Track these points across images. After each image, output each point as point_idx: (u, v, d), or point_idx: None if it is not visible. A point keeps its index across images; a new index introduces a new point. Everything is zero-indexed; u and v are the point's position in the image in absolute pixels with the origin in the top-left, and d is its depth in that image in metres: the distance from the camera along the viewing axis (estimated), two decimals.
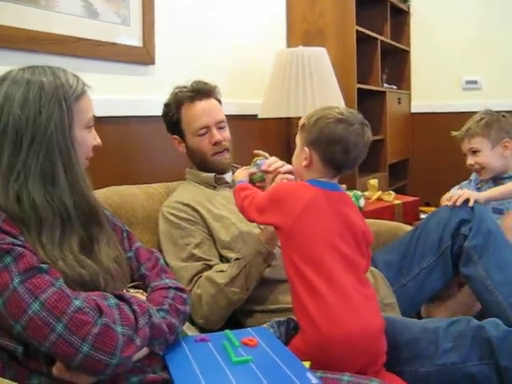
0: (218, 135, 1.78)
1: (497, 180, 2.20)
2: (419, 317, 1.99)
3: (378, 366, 1.31)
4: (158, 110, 2.13)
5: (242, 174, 1.62)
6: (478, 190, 2.24)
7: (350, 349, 1.26)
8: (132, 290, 1.19)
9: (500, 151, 2.15)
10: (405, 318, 1.62)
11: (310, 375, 1.04)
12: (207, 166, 1.82)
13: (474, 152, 2.17)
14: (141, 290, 1.20)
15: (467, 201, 1.77)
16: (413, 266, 1.80)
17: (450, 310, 1.92)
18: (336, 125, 1.34)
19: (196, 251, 1.62)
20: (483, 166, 2.17)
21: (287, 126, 3.02)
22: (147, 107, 2.13)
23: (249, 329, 1.26)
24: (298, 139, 1.42)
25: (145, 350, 1.06)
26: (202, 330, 1.53)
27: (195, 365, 1.06)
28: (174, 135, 1.86)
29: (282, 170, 1.61)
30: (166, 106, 1.85)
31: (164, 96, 2.11)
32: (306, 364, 1.12)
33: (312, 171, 1.38)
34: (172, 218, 1.68)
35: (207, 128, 1.78)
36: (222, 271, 1.57)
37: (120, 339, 0.97)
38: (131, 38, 2.08)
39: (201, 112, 1.78)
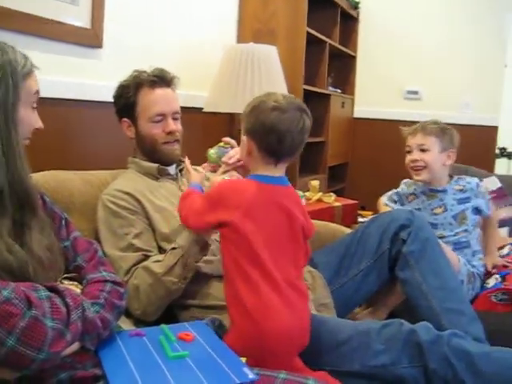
0: (172, 125, 1.75)
1: (428, 192, 2.23)
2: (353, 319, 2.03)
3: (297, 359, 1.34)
4: (101, 95, 2.08)
5: (197, 178, 1.60)
6: (409, 203, 2.28)
7: (285, 343, 1.28)
8: (66, 282, 1.14)
9: (444, 159, 2.19)
10: (339, 318, 1.66)
11: (246, 370, 1.04)
12: (155, 155, 1.77)
13: (423, 149, 2.17)
14: (76, 282, 1.16)
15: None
16: (351, 268, 1.83)
17: (380, 315, 1.97)
18: (269, 113, 1.31)
19: (135, 241, 1.58)
20: (426, 166, 2.17)
21: (231, 121, 3.02)
22: (91, 91, 2.07)
23: (185, 323, 1.25)
24: (242, 128, 1.41)
25: (76, 345, 1.02)
26: (138, 322, 1.50)
27: (130, 360, 1.04)
28: (124, 118, 1.79)
29: (239, 164, 1.62)
30: (123, 86, 1.77)
31: (109, 81, 2.06)
32: (243, 360, 1.12)
33: (254, 160, 1.37)
34: (112, 206, 1.64)
35: (163, 116, 1.74)
36: (158, 261, 1.54)
37: (49, 333, 0.92)
38: (79, 18, 2.01)
39: (160, 99, 1.74)
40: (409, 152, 2.23)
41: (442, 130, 2.19)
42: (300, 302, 1.35)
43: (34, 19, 1.81)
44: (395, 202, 2.35)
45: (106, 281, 1.17)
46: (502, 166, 4.78)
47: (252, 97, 2.39)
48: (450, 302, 1.66)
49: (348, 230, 2.09)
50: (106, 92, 2.08)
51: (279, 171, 1.38)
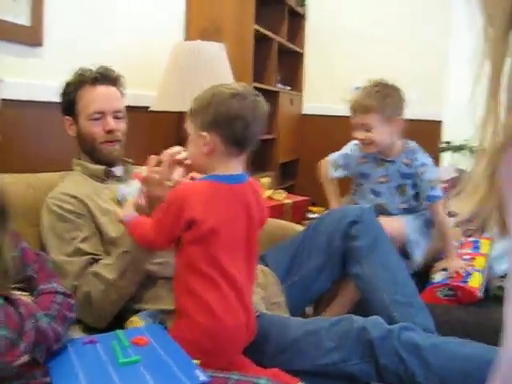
0: (112, 123, 1.70)
1: (378, 160, 2.20)
2: (305, 316, 2.04)
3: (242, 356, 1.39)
4: (43, 95, 2.02)
5: (128, 208, 1.47)
6: (358, 166, 2.26)
7: (238, 339, 1.33)
8: (18, 293, 1.10)
9: (390, 129, 2.11)
10: (290, 317, 1.66)
11: (198, 372, 1.03)
12: (95, 155, 1.73)
13: (366, 129, 2.11)
14: (26, 293, 1.12)
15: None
16: (302, 266, 1.83)
17: (334, 311, 1.98)
18: (230, 100, 1.27)
19: (83, 246, 1.54)
20: (373, 142, 2.12)
21: (179, 120, 2.98)
22: (32, 91, 1.99)
23: (141, 327, 1.22)
24: (191, 126, 1.33)
25: (25, 357, 0.98)
26: (89, 329, 1.46)
27: (80, 369, 1.01)
28: (66, 116, 1.75)
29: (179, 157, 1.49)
30: (66, 84, 1.74)
31: (51, 81, 1.99)
32: (196, 362, 1.11)
33: (215, 156, 1.30)
34: (58, 209, 1.58)
35: (102, 114, 1.70)
36: (108, 265, 1.50)
37: (1, 343, 0.89)
38: (18, 15, 1.93)
39: (100, 96, 1.70)
40: (354, 129, 2.16)
41: (382, 101, 2.08)
42: (250, 299, 1.38)
43: None
44: (339, 166, 2.32)
45: (57, 292, 1.14)
46: (447, 159, 4.89)
47: None
48: (399, 294, 1.70)
49: (298, 227, 2.09)
50: (47, 92, 2.02)
51: (239, 166, 1.35)
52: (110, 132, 1.70)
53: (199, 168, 1.39)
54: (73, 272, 1.50)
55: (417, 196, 2.22)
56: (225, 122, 1.27)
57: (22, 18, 1.95)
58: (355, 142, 2.27)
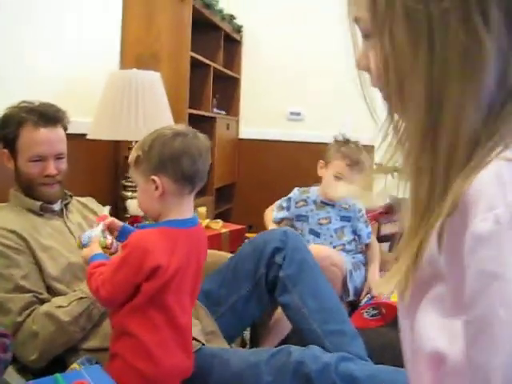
0: (52, 168, 1.66)
1: (319, 203, 2.43)
2: (243, 343, 2.06)
3: None
4: None
5: (96, 249, 1.41)
6: (297, 208, 2.44)
7: (176, 379, 1.35)
8: None
9: None
10: (231, 349, 1.68)
11: None
12: (32, 193, 1.69)
13: (345, 179, 2.32)
14: None
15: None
16: (230, 295, 1.83)
17: (274, 336, 2.02)
18: (173, 140, 1.30)
19: (23, 282, 1.50)
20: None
21: (116, 148, 2.97)
22: None
23: (82, 370, 1.21)
24: (137, 175, 1.34)
25: None
26: (23, 369, 1.43)
27: None
28: (4, 149, 1.68)
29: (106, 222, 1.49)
30: (6, 117, 1.67)
31: None
32: None
33: (167, 199, 1.31)
34: None
35: (43, 157, 1.66)
36: (61, 306, 1.48)
37: None
38: None
39: (41, 140, 1.64)
40: (337, 177, 2.35)
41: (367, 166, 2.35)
42: (191, 336, 1.42)
43: None
44: (283, 208, 2.49)
45: None
46: (379, 181, 5.08)
47: (137, 123, 2.45)
48: (330, 323, 1.70)
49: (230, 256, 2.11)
50: None
51: (191, 207, 1.37)
52: (48, 176, 1.67)
53: (152, 214, 1.38)
54: (16, 309, 1.47)
55: (352, 240, 2.42)
56: (171, 161, 1.29)
57: None
58: (298, 188, 2.50)
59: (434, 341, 0.55)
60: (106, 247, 1.40)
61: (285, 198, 2.52)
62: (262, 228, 2.93)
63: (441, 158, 0.57)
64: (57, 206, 1.74)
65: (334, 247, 2.38)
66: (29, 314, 1.47)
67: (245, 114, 4.40)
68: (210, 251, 2.08)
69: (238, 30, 4.20)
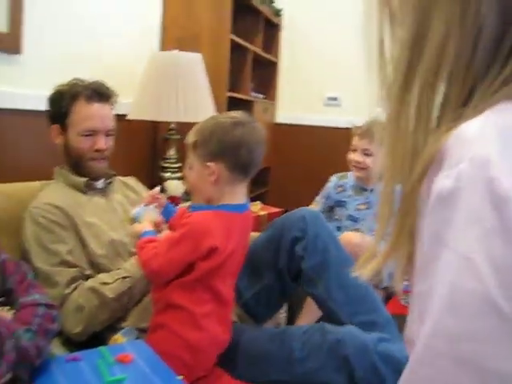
0: (103, 143, 1.70)
1: (357, 189, 2.39)
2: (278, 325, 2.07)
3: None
4: (21, 104, 2.01)
5: (145, 226, 1.46)
6: (336, 194, 2.43)
7: (217, 350, 1.40)
8: None
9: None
10: (260, 327, 1.68)
11: None
12: (80, 168, 1.72)
13: (367, 154, 2.28)
14: (7, 307, 1.11)
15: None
16: (252, 285, 1.73)
17: (311, 314, 2.01)
18: (233, 129, 1.33)
19: (69, 258, 1.54)
20: (367, 168, 2.29)
21: (153, 129, 2.99)
22: (10, 100, 1.97)
23: (124, 343, 1.23)
24: (193, 157, 1.38)
25: (8, 375, 0.97)
26: (67, 342, 1.46)
27: None
28: (54, 124, 1.72)
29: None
30: (59, 93, 1.70)
31: (29, 89, 1.98)
32: (180, 378, 1.13)
33: (221, 185, 1.35)
34: (42, 220, 1.57)
35: (95, 132, 1.69)
36: (106, 283, 1.51)
37: None
38: None
39: (94, 114, 1.68)
40: (353, 150, 2.33)
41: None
42: (231, 313, 1.46)
43: None
44: (321, 201, 2.49)
45: (39, 304, 1.14)
46: None
47: (177, 104, 2.45)
48: (359, 314, 1.57)
49: None
50: (25, 100, 2.01)
51: (244, 194, 1.41)
52: (98, 151, 1.70)
53: (203, 195, 1.41)
54: (63, 282, 1.50)
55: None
56: (230, 149, 1.33)
57: (0, 25, 1.93)
58: (335, 174, 2.49)
59: (410, 325, 0.49)
60: (156, 225, 1.46)
61: (319, 196, 2.52)
62: None
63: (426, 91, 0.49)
64: (100, 184, 1.76)
65: (372, 231, 2.36)
66: (75, 288, 1.50)
67: (282, 98, 4.38)
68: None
69: (278, 13, 4.17)
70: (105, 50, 2.58)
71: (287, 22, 4.29)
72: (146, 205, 1.54)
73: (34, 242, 1.55)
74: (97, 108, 1.69)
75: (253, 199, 3.71)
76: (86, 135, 1.68)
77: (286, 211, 3.52)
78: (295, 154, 4.30)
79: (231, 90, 3.26)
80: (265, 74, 4.28)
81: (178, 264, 1.31)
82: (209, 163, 1.34)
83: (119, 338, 1.35)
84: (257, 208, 2.81)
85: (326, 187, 2.51)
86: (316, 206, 2.51)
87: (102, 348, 1.18)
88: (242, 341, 1.50)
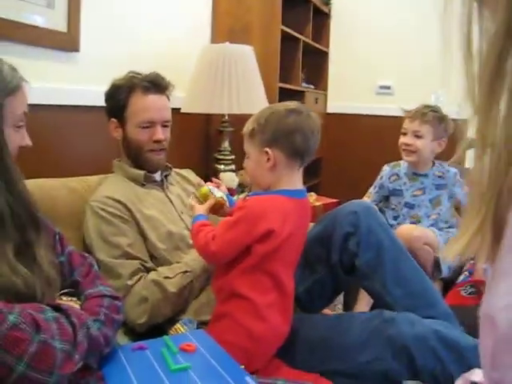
0: (160, 133, 1.72)
1: (411, 175, 2.39)
2: None
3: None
4: (79, 100, 2.06)
5: (201, 209, 1.50)
6: (391, 183, 2.42)
7: (278, 341, 1.41)
8: (65, 298, 1.13)
9: (435, 146, 2.31)
10: (318, 315, 1.66)
11: (248, 379, 1.05)
12: (139, 161, 1.74)
13: (417, 136, 2.29)
14: (74, 298, 1.15)
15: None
16: (304, 279, 1.68)
17: (364, 304, 2.00)
18: (287, 116, 1.37)
19: (130, 250, 1.57)
20: (417, 151, 2.30)
21: (207, 121, 3.01)
22: (69, 97, 2.03)
23: (187, 333, 1.26)
24: (251, 146, 1.42)
25: (80, 363, 1.00)
26: (131, 332, 1.50)
27: (133, 376, 1.04)
28: (112, 118, 1.75)
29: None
30: (116, 87, 1.73)
31: (87, 85, 2.03)
32: (242, 367, 1.13)
33: (278, 171, 1.38)
34: (103, 213, 1.61)
35: (152, 123, 1.71)
36: (168, 277, 1.54)
37: (58, 356, 0.91)
38: (55, 21, 1.97)
39: (151, 106, 1.70)
40: (404, 134, 2.35)
41: (438, 120, 2.28)
42: (292, 302, 1.46)
43: (8, 24, 1.76)
44: (374, 193, 2.49)
45: (104, 295, 1.17)
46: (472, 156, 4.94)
47: (230, 97, 2.46)
48: (418, 309, 1.52)
49: None
50: (84, 96, 2.06)
51: (300, 180, 1.43)
52: (157, 141, 1.72)
53: (262, 183, 1.43)
54: (126, 273, 1.54)
55: (450, 208, 2.37)
56: (285, 136, 1.36)
57: (59, 25, 1.99)
58: (387, 164, 2.50)
59: (490, 302, 0.49)
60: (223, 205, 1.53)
61: (372, 187, 2.52)
62: None
63: None
64: (158, 177, 1.79)
65: (429, 217, 2.35)
66: (138, 280, 1.54)
67: (333, 88, 4.34)
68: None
69: (327, 2, 4.13)
70: (158, 45, 2.61)
71: (336, 10, 4.24)
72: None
73: (95, 235, 1.59)
74: (153, 99, 1.71)
75: (306, 190, 3.70)
76: (144, 127, 1.70)
77: (339, 202, 3.50)
78: (347, 144, 4.26)
79: (282, 80, 3.24)
80: (315, 64, 4.25)
81: (235, 245, 1.34)
82: (266, 149, 1.37)
83: (179, 327, 1.37)
84: (312, 199, 2.80)
85: (379, 177, 2.50)
86: (369, 197, 2.50)
87: (165, 337, 1.20)
88: (301, 329, 1.50)
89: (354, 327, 1.47)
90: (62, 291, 1.15)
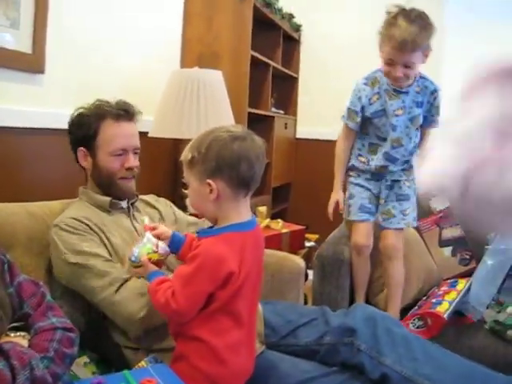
0: (133, 161, 1.70)
1: (391, 92, 2.16)
2: None
3: None
4: (44, 123, 2.02)
5: (151, 266, 1.37)
6: (371, 105, 2.20)
7: (241, 380, 1.34)
8: (12, 334, 1.07)
9: (423, 60, 2.08)
10: (292, 358, 1.62)
11: None
12: (111, 189, 1.71)
13: (407, 65, 2.05)
14: (23, 333, 1.09)
15: None
16: (295, 338, 1.66)
17: None
18: (231, 144, 1.26)
19: (110, 258, 1.56)
20: (409, 78, 2.09)
21: (174, 146, 2.99)
22: (33, 119, 1.99)
23: (149, 367, 1.21)
24: (191, 176, 1.31)
25: None
26: (97, 362, 1.45)
27: None
28: (80, 147, 1.70)
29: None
30: (83, 115, 1.69)
31: (51, 108, 1.99)
32: None
33: (223, 202, 1.29)
34: (69, 228, 1.56)
35: (124, 151, 1.69)
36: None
37: None
38: (20, 42, 1.93)
39: (124, 133, 1.68)
40: (389, 64, 2.09)
41: (426, 37, 2.02)
42: (255, 336, 1.41)
43: None
44: (357, 113, 2.24)
45: (56, 328, 1.11)
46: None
47: (198, 122, 2.45)
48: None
49: (296, 258, 2.07)
50: (48, 119, 2.02)
51: (248, 209, 1.35)
52: (129, 169, 1.70)
53: (207, 216, 1.36)
54: (118, 270, 1.52)
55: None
56: (229, 166, 1.25)
57: (24, 46, 1.95)
58: (364, 78, 2.25)
59: None
60: (154, 252, 1.38)
61: (352, 97, 2.26)
62: (319, 228, 2.85)
63: None
64: (124, 204, 1.75)
65: (411, 138, 2.19)
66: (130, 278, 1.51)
67: (302, 113, 4.37)
68: (270, 251, 2.08)
69: (297, 28, 4.17)
70: (125, 69, 2.59)
71: (306, 36, 4.29)
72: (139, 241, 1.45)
73: (71, 252, 1.53)
74: (125, 127, 1.69)
75: (274, 215, 3.69)
76: (116, 155, 1.68)
77: (307, 227, 3.50)
78: (316, 169, 4.27)
79: (251, 105, 3.25)
80: (285, 89, 4.27)
81: (199, 297, 1.25)
82: (208, 180, 1.27)
83: (143, 364, 1.32)
84: (278, 225, 2.76)
85: (356, 97, 2.24)
86: (349, 120, 2.26)
87: (125, 372, 1.16)
88: (273, 372, 1.46)
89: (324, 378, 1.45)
90: (11, 325, 1.09)
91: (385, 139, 2.22)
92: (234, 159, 1.25)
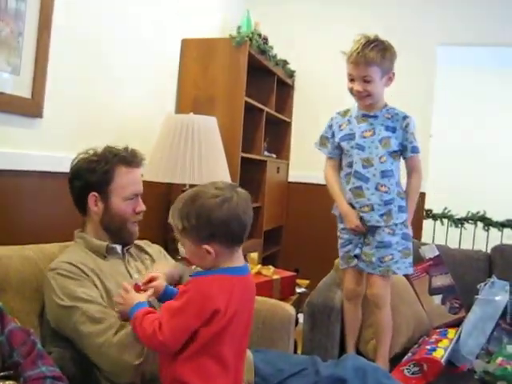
0: (142, 205, 1.78)
1: (361, 117, 2.30)
2: None
3: None
4: (41, 166, 2.04)
5: (141, 297, 1.44)
6: (342, 131, 2.34)
7: None
8: (1, 383, 1.07)
9: (385, 82, 2.23)
10: None
11: None
12: (121, 233, 1.74)
13: (366, 80, 2.19)
14: (12, 382, 1.08)
15: None
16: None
17: None
18: (220, 209, 1.30)
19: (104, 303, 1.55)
20: (371, 94, 2.21)
21: (169, 189, 3.01)
22: (30, 162, 2.02)
23: None
24: (186, 240, 1.35)
25: None
26: None
27: None
28: (92, 192, 1.70)
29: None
30: (95, 161, 1.70)
31: (48, 151, 2.02)
32: None
33: (220, 257, 1.33)
34: (64, 272, 1.57)
35: (135, 195, 1.75)
36: None
37: None
38: (20, 88, 1.97)
39: (136, 179, 1.76)
40: (351, 80, 2.24)
41: (382, 56, 2.16)
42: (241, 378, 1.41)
43: None
44: (328, 139, 2.44)
45: (45, 377, 1.12)
46: (428, 226, 5.14)
47: (192, 167, 2.47)
48: None
49: (287, 306, 2.07)
50: (45, 162, 2.05)
51: (240, 256, 1.39)
52: (139, 213, 1.77)
53: (204, 267, 1.38)
54: (113, 317, 1.50)
55: (396, 152, 2.28)
56: (222, 230, 1.31)
57: (23, 91, 1.99)
58: (337, 112, 2.42)
59: None
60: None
61: (325, 127, 2.45)
62: (310, 270, 2.85)
63: None
64: (119, 249, 1.76)
65: (380, 158, 2.24)
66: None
67: (295, 157, 4.42)
68: (261, 298, 2.06)
69: (291, 74, 4.26)
70: (121, 114, 2.64)
71: (300, 82, 4.37)
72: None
73: (67, 297, 1.53)
74: (136, 172, 1.77)
75: (265, 259, 3.69)
76: (129, 199, 1.73)
77: (297, 271, 3.50)
78: (308, 213, 4.30)
79: (244, 150, 3.30)
80: (278, 134, 4.34)
81: (184, 331, 1.28)
82: (204, 246, 1.32)
83: None
84: (269, 272, 2.75)
85: (328, 126, 2.44)
86: (322, 148, 2.50)
87: None
88: None
89: None
90: (0, 374, 1.09)
91: (356, 163, 2.28)
92: (225, 222, 1.31)
